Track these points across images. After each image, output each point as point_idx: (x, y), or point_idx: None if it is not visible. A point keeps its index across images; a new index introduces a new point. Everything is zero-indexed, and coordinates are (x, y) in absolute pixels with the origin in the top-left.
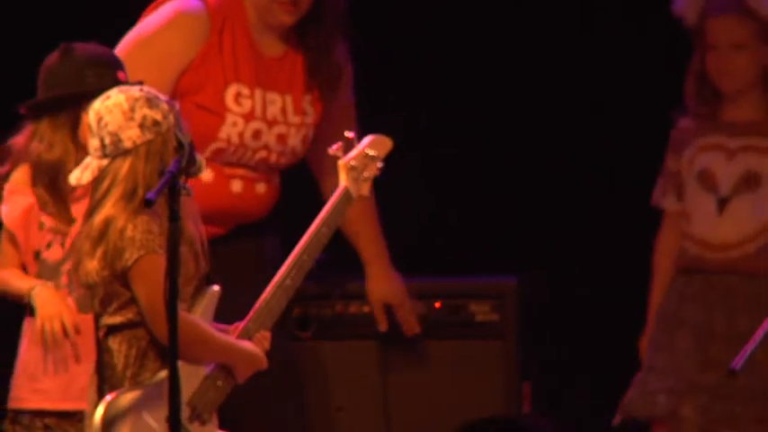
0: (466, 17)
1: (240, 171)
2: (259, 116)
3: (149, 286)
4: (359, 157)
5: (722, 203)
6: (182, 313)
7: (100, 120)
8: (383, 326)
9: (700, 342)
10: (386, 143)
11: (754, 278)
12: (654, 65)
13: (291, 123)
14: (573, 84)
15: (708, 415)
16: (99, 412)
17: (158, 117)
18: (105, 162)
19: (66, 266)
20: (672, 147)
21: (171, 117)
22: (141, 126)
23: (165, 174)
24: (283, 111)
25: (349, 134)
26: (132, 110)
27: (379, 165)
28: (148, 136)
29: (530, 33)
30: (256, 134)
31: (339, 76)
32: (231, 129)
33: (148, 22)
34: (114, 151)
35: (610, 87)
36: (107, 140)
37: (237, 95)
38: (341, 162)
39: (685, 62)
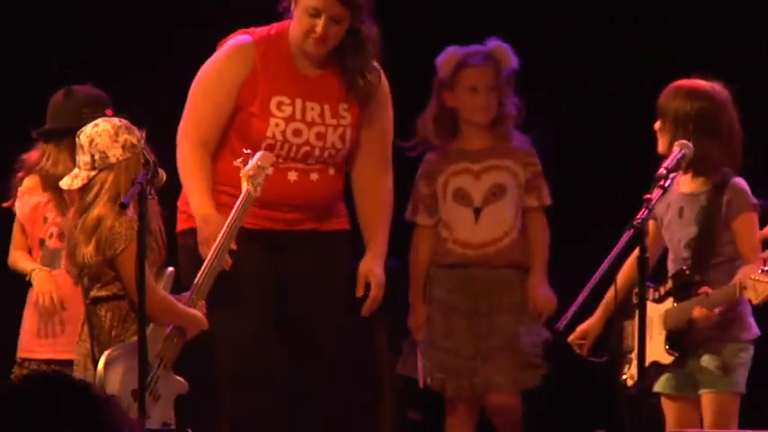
0: (466, 19)
1: (293, 164)
2: (298, 119)
3: (131, 268)
4: (255, 168)
5: (477, 212)
6: (157, 289)
7: (92, 141)
8: (360, 292)
9: (470, 323)
10: (271, 157)
11: (508, 268)
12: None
13: (329, 124)
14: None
15: (475, 380)
16: (101, 362)
17: (135, 141)
18: (93, 173)
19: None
20: (423, 175)
21: (142, 141)
22: (123, 147)
23: (135, 184)
24: (321, 115)
25: (246, 151)
26: (117, 134)
27: (268, 172)
28: (127, 155)
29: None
30: (296, 132)
31: (372, 94)
32: (275, 128)
33: (212, 58)
34: (102, 165)
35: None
36: (97, 157)
37: (279, 104)
38: (242, 173)
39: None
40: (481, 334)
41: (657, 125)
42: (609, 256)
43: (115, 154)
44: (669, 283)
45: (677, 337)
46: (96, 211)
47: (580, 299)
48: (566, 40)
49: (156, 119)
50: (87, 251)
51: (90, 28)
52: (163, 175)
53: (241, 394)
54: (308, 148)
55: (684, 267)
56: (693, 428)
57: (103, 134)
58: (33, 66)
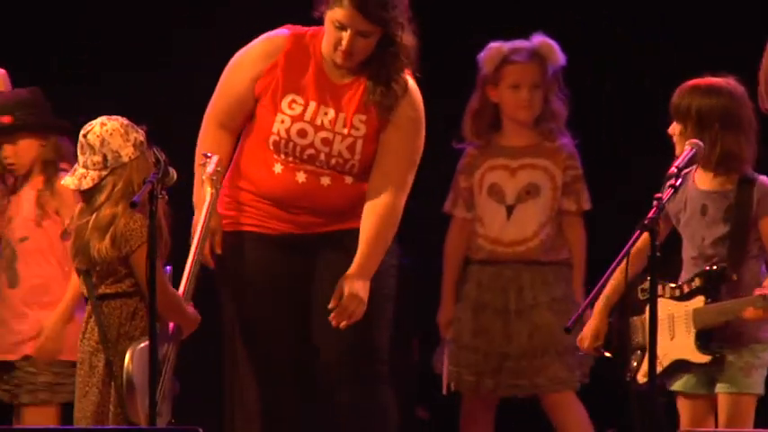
0: (463, 18)
1: (302, 165)
2: (307, 120)
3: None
4: (214, 172)
5: (510, 210)
6: (170, 287)
7: (103, 141)
8: (332, 303)
9: (501, 320)
10: (225, 162)
11: (537, 264)
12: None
13: (338, 132)
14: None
15: (507, 378)
16: (127, 358)
17: (142, 139)
18: (105, 173)
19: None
20: (462, 169)
21: (145, 140)
22: (134, 145)
23: (146, 183)
24: (333, 122)
25: (207, 154)
26: (127, 133)
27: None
28: (138, 153)
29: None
30: (301, 132)
31: (392, 105)
32: (280, 125)
33: (245, 46)
34: (114, 164)
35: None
36: (109, 156)
37: (292, 102)
38: (205, 176)
39: None
40: (516, 332)
41: (677, 129)
42: (618, 257)
43: (128, 153)
44: (697, 281)
45: (708, 336)
46: (110, 210)
47: (589, 299)
48: (564, 39)
49: (157, 119)
50: (103, 246)
51: (90, 28)
52: (173, 174)
53: (250, 395)
54: (312, 151)
55: (714, 266)
56: (708, 428)
57: (114, 133)
58: (33, 66)
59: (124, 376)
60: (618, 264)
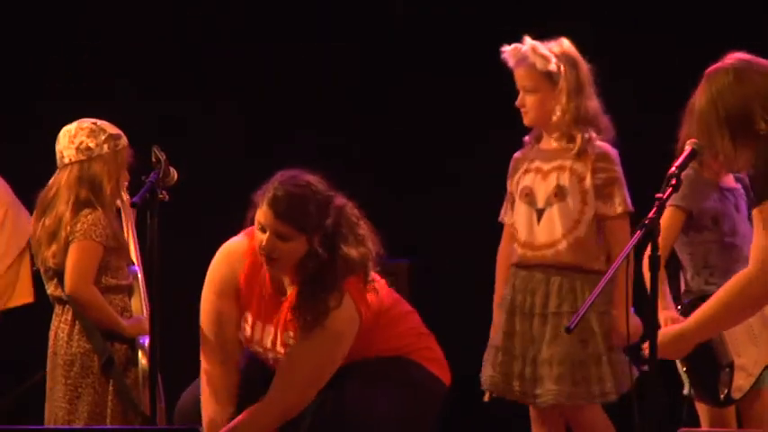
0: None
1: None
2: (256, 341)
3: (78, 259)
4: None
5: (540, 214)
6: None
7: (59, 140)
8: None
9: (528, 323)
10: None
11: (565, 269)
12: None
13: (279, 352)
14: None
15: (529, 381)
16: (140, 352)
17: (92, 144)
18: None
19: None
20: (509, 174)
21: (107, 147)
22: (77, 149)
23: (147, 182)
24: (274, 342)
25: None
26: (75, 136)
27: None
28: (80, 157)
29: None
30: (258, 354)
31: (316, 323)
32: (243, 344)
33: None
34: (59, 164)
35: None
36: (57, 156)
37: (245, 321)
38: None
39: None
40: (537, 338)
41: None
42: (620, 255)
43: (69, 155)
44: None
45: None
46: (56, 212)
47: (589, 300)
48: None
49: (157, 119)
50: (50, 253)
51: (90, 28)
52: (174, 173)
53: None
54: (273, 364)
55: None
56: (716, 429)
57: (66, 135)
58: (33, 66)
59: (140, 371)
60: (619, 264)
